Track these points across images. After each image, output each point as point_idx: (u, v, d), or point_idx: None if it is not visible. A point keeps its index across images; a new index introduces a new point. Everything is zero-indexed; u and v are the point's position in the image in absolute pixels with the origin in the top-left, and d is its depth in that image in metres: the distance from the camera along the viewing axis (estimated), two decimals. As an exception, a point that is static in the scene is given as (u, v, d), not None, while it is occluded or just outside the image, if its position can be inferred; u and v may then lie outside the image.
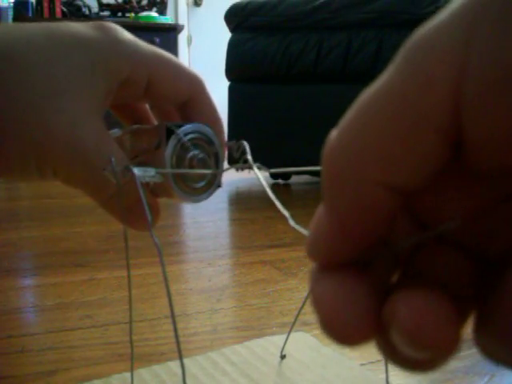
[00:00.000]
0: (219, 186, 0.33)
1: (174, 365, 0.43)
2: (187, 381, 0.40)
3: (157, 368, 0.43)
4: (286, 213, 0.26)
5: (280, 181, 1.88)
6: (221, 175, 0.33)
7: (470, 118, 0.12)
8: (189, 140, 0.30)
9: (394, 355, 0.15)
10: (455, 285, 0.15)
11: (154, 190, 0.31)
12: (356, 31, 1.53)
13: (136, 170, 0.26)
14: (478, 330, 0.15)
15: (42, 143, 0.26)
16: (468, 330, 0.53)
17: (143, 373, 0.42)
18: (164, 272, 0.28)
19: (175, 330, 0.28)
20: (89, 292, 0.67)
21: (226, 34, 1.91)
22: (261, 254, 0.87)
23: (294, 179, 1.89)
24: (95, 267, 0.79)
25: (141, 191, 0.26)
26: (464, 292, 0.15)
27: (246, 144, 0.31)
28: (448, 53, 0.12)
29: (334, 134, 0.15)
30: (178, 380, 0.40)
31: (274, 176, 1.88)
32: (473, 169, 0.13)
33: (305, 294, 0.67)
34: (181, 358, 0.28)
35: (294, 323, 0.43)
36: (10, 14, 3.33)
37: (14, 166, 0.27)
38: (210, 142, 0.32)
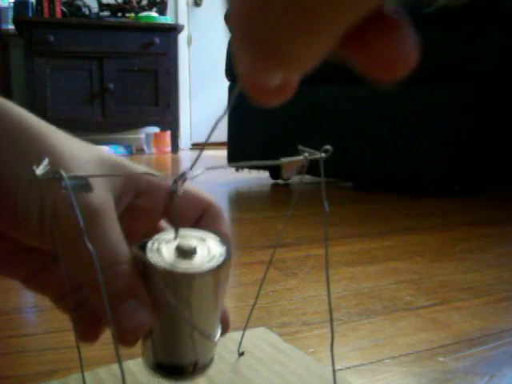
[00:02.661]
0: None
1: (133, 364, 0.42)
2: (143, 379, 0.40)
3: (114, 368, 0.42)
4: None
5: (280, 181, 1.88)
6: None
7: None
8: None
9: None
10: None
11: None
12: (356, 31, 1.53)
13: (66, 177, 0.25)
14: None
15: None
16: (468, 330, 0.53)
17: (100, 372, 0.42)
18: (104, 288, 0.28)
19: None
20: (89, 292, 0.67)
21: (225, 34, 1.91)
22: (261, 254, 0.87)
23: (294, 179, 1.89)
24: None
25: (72, 196, 0.25)
26: None
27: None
28: None
29: None
30: (132, 379, 0.40)
31: (273, 176, 1.88)
32: None
33: (306, 294, 0.67)
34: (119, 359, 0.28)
35: (248, 319, 0.43)
36: (10, 14, 3.33)
37: (19, 207, 0.28)
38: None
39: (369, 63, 0.14)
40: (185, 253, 0.29)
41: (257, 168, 1.90)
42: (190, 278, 0.28)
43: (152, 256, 0.28)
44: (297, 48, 0.13)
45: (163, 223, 0.35)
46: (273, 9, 0.12)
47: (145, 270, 0.28)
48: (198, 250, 0.29)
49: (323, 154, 0.33)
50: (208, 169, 0.29)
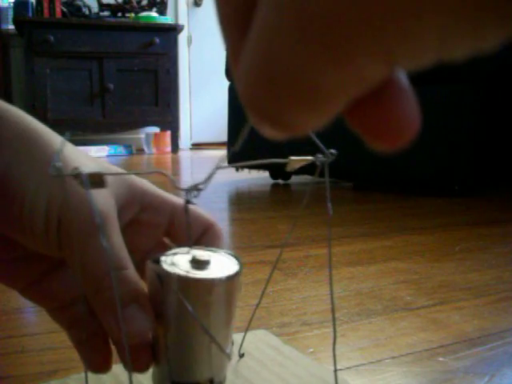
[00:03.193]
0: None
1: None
2: (143, 380, 0.40)
3: (115, 368, 0.42)
4: None
5: (280, 181, 1.88)
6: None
7: None
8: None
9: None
10: None
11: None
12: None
13: (83, 171, 0.25)
14: None
15: (57, 192, 0.27)
16: (468, 330, 0.53)
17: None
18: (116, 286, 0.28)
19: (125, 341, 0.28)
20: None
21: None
22: (261, 254, 0.87)
23: (294, 179, 1.89)
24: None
25: (89, 192, 0.25)
26: None
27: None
28: None
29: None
30: (135, 380, 0.40)
31: (273, 176, 1.88)
32: None
33: (306, 294, 0.67)
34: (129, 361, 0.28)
35: (250, 320, 0.43)
36: (10, 13, 3.33)
37: (24, 210, 0.28)
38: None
39: (368, 131, 0.13)
40: (200, 263, 0.29)
41: (257, 168, 1.90)
42: (210, 284, 0.28)
43: (168, 268, 0.29)
44: (296, 121, 0.13)
45: (166, 240, 0.35)
46: (273, 85, 0.12)
47: (161, 283, 0.29)
48: (212, 262, 0.30)
49: (331, 153, 0.33)
50: (218, 168, 0.29)
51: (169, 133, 3.46)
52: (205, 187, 0.28)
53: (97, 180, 0.26)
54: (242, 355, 0.44)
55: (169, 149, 3.49)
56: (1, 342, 0.53)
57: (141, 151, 3.61)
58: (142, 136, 3.65)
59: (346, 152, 1.64)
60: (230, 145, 1.88)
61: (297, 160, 0.32)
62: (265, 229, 1.08)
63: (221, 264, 0.30)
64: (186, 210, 0.30)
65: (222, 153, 1.82)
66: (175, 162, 2.92)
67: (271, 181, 1.88)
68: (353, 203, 1.47)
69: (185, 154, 3.52)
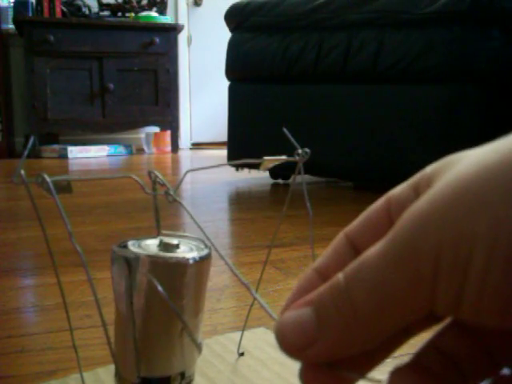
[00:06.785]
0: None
1: None
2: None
3: (112, 368, 0.42)
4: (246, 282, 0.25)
5: (280, 181, 1.88)
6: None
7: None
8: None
9: None
10: None
11: None
12: (356, 31, 1.53)
13: (48, 178, 0.25)
14: None
15: None
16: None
17: (100, 372, 0.42)
18: (91, 281, 0.28)
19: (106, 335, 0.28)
20: (89, 292, 0.67)
21: (226, 34, 1.91)
22: (261, 254, 0.87)
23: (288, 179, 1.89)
24: (95, 267, 0.79)
25: (56, 198, 0.25)
26: None
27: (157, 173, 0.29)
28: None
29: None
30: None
31: (273, 176, 1.88)
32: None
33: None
34: (116, 360, 0.28)
35: (246, 320, 0.43)
36: (10, 13, 3.33)
37: None
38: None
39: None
40: (169, 247, 0.28)
41: (256, 167, 1.90)
42: (184, 264, 0.27)
43: (138, 251, 0.28)
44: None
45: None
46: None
47: (129, 268, 0.28)
48: (181, 246, 0.29)
49: (305, 152, 0.33)
50: (189, 171, 0.29)
51: (169, 132, 3.46)
52: (174, 193, 0.28)
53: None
54: (241, 354, 0.44)
55: (169, 148, 3.49)
56: (1, 342, 0.53)
57: (141, 151, 3.61)
58: (142, 136, 3.65)
59: (347, 152, 1.64)
60: (229, 144, 1.88)
61: (270, 160, 0.33)
62: (264, 229, 1.08)
63: (189, 248, 0.29)
64: (154, 201, 0.29)
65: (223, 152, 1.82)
66: (175, 162, 2.92)
67: (271, 181, 1.88)
68: (353, 203, 1.47)
69: (185, 153, 3.52)
